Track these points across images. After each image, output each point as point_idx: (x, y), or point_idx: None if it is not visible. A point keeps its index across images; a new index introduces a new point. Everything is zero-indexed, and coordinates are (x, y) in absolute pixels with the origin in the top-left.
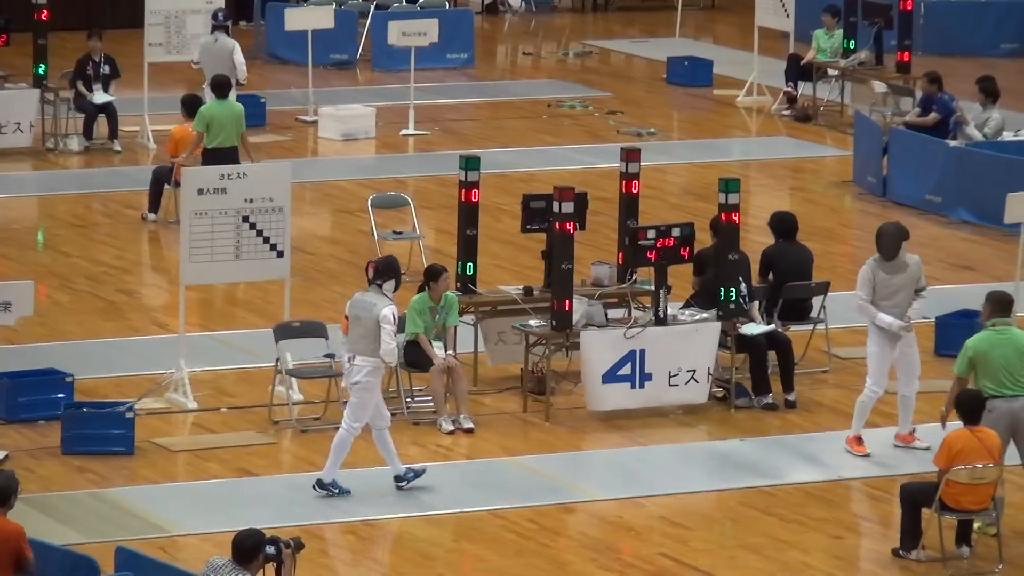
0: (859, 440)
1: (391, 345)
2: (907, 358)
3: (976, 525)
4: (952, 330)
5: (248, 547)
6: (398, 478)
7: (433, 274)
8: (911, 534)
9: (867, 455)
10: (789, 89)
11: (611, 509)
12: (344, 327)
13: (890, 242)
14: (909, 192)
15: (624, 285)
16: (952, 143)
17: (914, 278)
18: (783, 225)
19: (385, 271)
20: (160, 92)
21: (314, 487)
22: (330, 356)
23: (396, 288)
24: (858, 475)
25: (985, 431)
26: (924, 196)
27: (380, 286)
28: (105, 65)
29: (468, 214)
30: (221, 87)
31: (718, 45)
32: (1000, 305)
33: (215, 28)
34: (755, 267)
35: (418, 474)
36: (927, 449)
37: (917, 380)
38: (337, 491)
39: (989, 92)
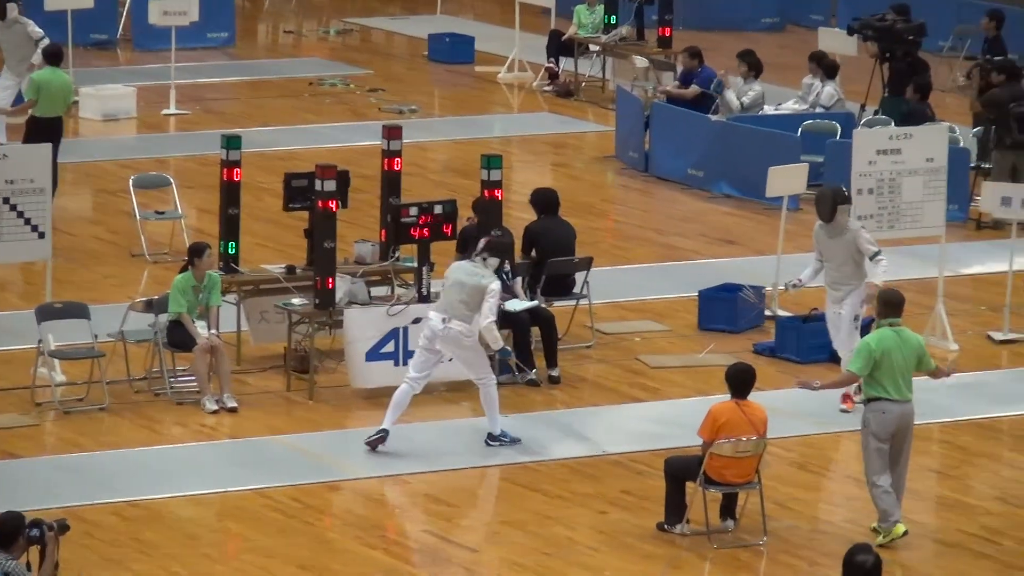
0: (845, 396)
1: (489, 319)
2: (842, 320)
3: (877, 533)
4: (714, 304)
5: (8, 530)
6: (491, 437)
7: (197, 251)
8: (675, 508)
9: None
10: (551, 65)
11: (375, 487)
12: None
13: (824, 203)
14: (671, 167)
15: (387, 263)
16: (714, 118)
17: (851, 245)
18: (545, 201)
19: (495, 249)
20: None
21: (487, 442)
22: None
23: (499, 268)
24: (622, 450)
25: (752, 405)
26: (686, 171)
27: (485, 260)
28: None
29: (230, 193)
30: (54, 56)
31: (479, 22)
32: (891, 306)
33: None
34: (518, 243)
35: (514, 441)
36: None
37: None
38: (508, 440)
39: (752, 65)
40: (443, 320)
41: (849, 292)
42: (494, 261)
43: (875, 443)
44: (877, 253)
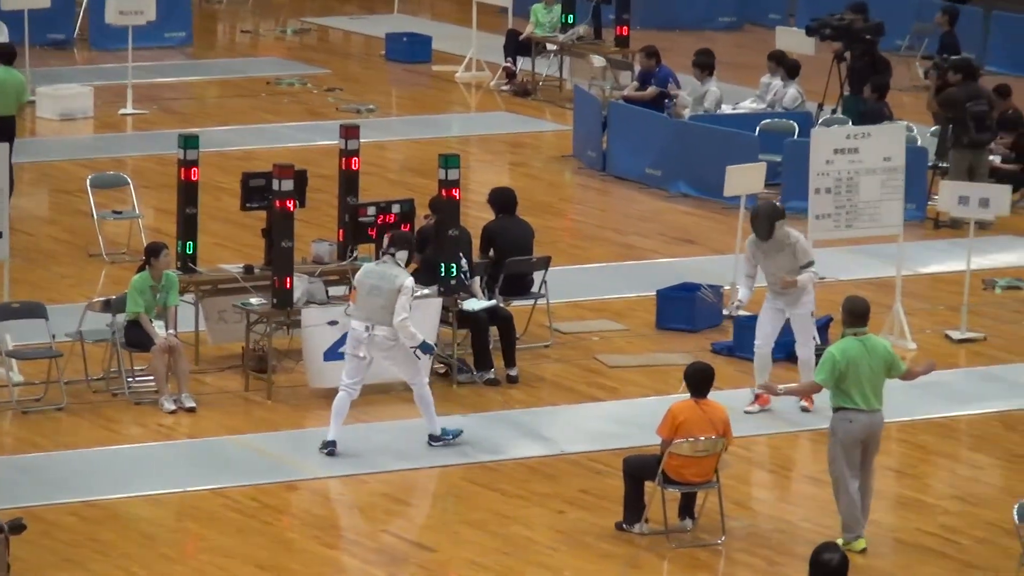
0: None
1: (402, 316)
2: (798, 321)
3: (840, 541)
4: (672, 303)
5: None
6: (433, 437)
7: (154, 251)
8: (634, 507)
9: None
10: (508, 64)
11: (334, 487)
12: (353, 297)
13: (762, 222)
14: (629, 166)
15: (345, 262)
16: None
17: (793, 257)
18: (503, 200)
19: (400, 242)
20: None
21: (429, 443)
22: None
23: (408, 261)
24: (581, 449)
25: (712, 404)
26: (644, 170)
27: (394, 255)
28: None
29: (188, 193)
30: (6, 55)
31: (436, 21)
32: (855, 316)
33: None
34: (476, 243)
35: (456, 435)
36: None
37: (811, 342)
38: (451, 435)
39: (704, 66)
40: (366, 328)
41: (801, 293)
42: (403, 254)
43: (842, 451)
44: (810, 264)
